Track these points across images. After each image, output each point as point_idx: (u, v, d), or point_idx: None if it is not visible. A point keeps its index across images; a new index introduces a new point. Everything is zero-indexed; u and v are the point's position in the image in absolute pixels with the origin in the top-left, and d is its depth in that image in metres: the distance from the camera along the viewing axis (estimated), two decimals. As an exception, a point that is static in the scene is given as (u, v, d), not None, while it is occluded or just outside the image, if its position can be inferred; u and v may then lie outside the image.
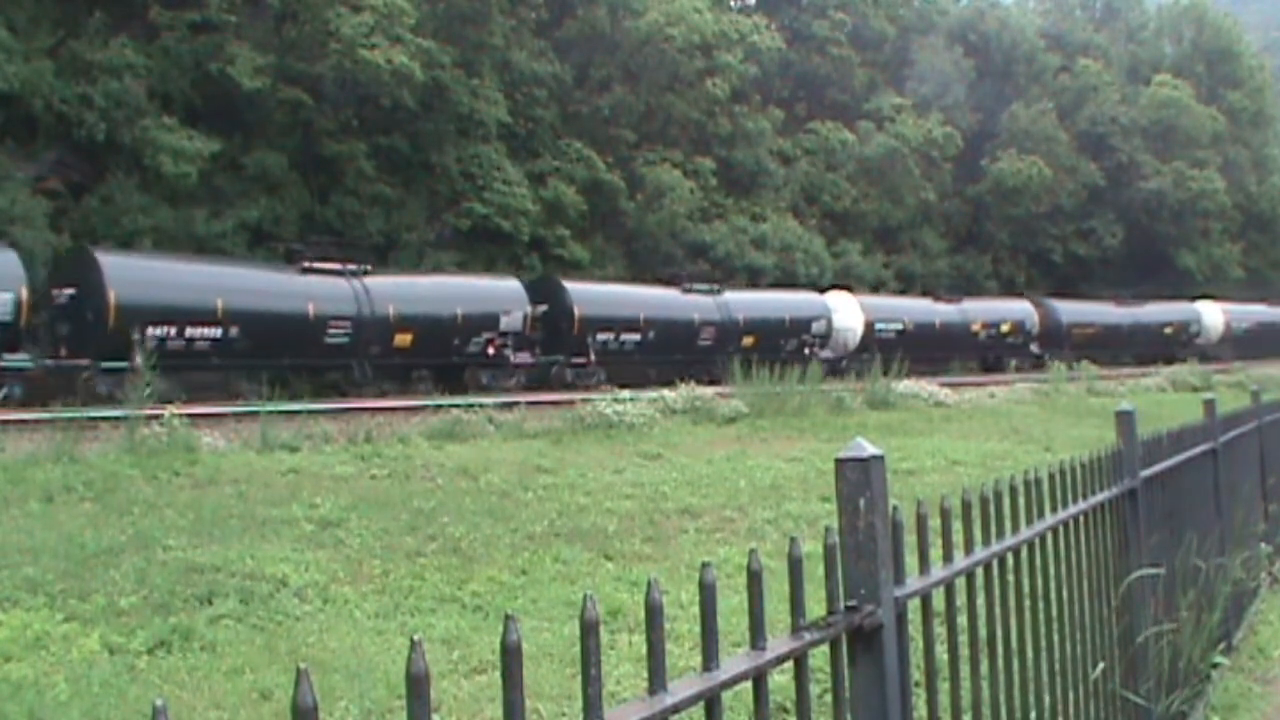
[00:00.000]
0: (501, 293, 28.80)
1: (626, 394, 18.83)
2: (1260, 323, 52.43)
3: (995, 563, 2.93)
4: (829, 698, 2.23)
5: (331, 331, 24.72)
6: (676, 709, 1.62)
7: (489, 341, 27.57)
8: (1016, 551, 3.09)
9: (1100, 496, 3.94)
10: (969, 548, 2.78)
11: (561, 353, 29.39)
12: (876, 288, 44.80)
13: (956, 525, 2.67)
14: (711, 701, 1.70)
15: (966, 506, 2.79)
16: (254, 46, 29.76)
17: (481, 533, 8.81)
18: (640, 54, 39.33)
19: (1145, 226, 56.81)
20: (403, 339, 25.83)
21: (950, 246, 52.85)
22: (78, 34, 28.02)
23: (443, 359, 26.85)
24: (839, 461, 2.17)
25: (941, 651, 2.73)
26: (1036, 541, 3.27)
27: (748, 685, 1.83)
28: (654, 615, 1.64)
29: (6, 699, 5.10)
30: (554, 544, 8.59)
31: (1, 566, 7.09)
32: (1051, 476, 3.47)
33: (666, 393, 18.91)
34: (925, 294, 43.04)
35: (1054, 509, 3.46)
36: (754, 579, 1.83)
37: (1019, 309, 44.33)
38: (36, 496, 9.18)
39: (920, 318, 39.49)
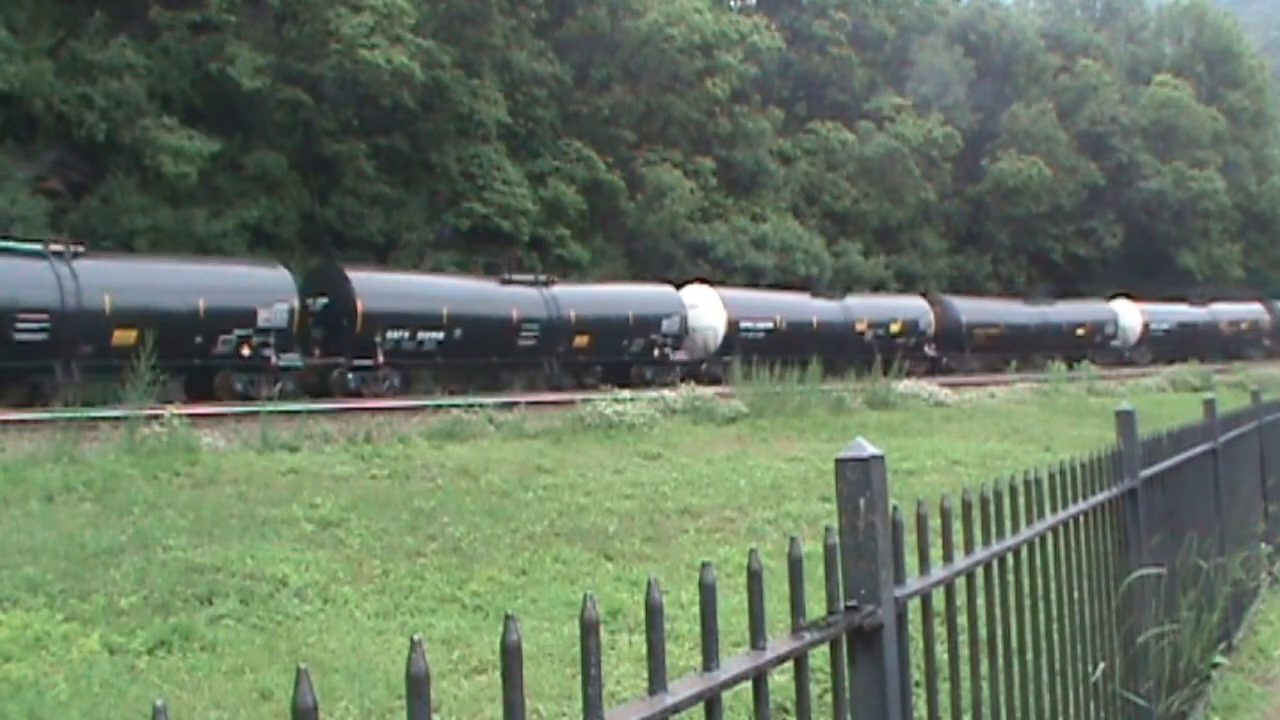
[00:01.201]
0: (260, 282, 24.37)
1: (627, 394, 18.83)
2: (1181, 324, 49.27)
3: (995, 563, 2.93)
4: (829, 698, 2.23)
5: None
6: (676, 709, 1.62)
7: (243, 341, 23.43)
8: (1016, 551, 3.09)
9: (1100, 496, 3.94)
10: (969, 548, 2.78)
11: (344, 354, 25.20)
12: (878, 287, 44.63)
13: (956, 525, 2.67)
14: (711, 701, 1.70)
15: (966, 506, 2.79)
16: (254, 46, 29.76)
17: (481, 533, 8.81)
18: (640, 54, 39.34)
19: (1145, 226, 56.81)
20: (124, 335, 20.93)
21: (950, 246, 52.85)
22: (78, 34, 28.02)
23: (182, 360, 21.58)
24: (839, 461, 2.17)
25: (941, 651, 2.73)
26: (1036, 541, 3.27)
27: (748, 685, 1.83)
28: (654, 615, 1.64)
29: (6, 699, 5.10)
30: (554, 544, 8.59)
31: (1, 566, 7.09)
32: (1051, 476, 3.47)
33: (666, 393, 18.91)
34: (803, 289, 38.85)
35: (1054, 509, 3.46)
36: (754, 579, 1.83)
37: (912, 307, 40.25)
38: (36, 496, 9.18)
39: (795, 315, 35.37)
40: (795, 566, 1.96)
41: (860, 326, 37.47)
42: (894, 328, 38.27)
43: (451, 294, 27.69)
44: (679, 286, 33.75)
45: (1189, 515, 5.31)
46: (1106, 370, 35.72)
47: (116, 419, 13.01)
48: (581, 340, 29.61)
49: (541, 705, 5.06)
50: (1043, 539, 3.33)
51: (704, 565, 1.72)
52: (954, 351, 40.23)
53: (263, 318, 23.72)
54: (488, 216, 34.23)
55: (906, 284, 47.56)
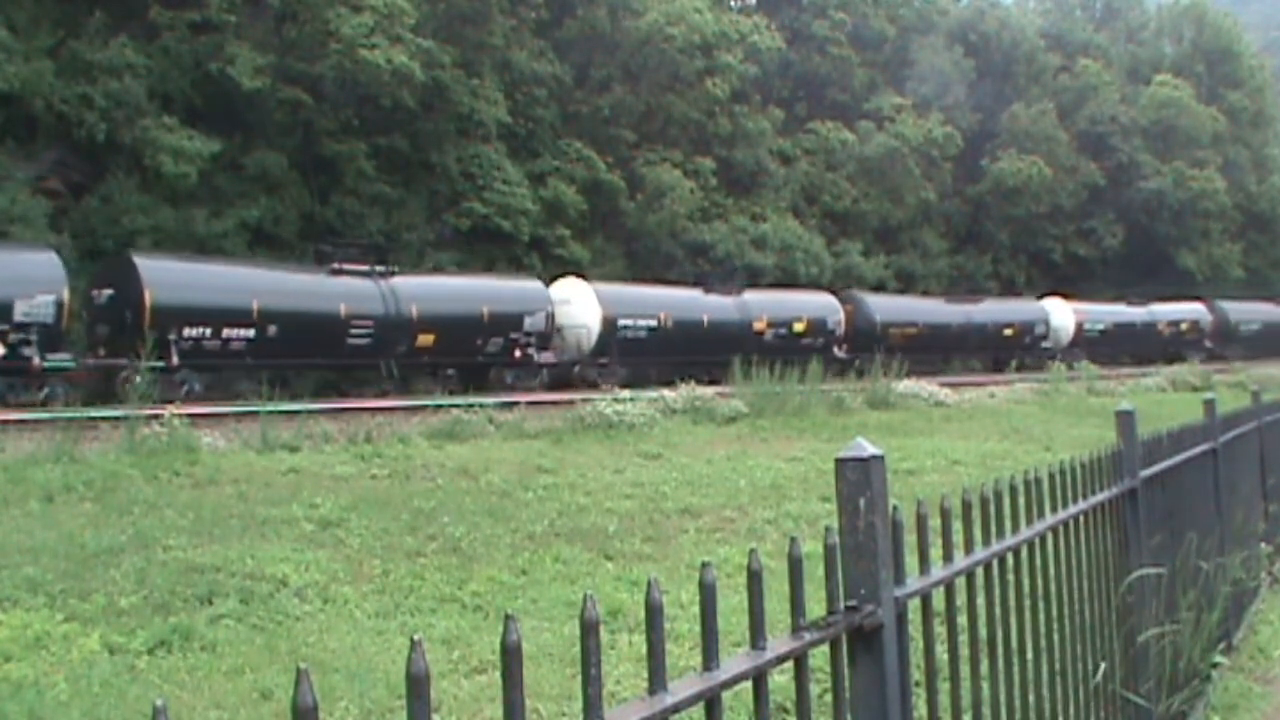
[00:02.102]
0: (17, 270, 21.03)
1: (627, 394, 18.83)
2: (1118, 324, 46.74)
3: (995, 563, 2.93)
4: (829, 698, 2.23)
5: None
6: (676, 709, 1.62)
7: None
8: (1016, 551, 3.09)
9: (1100, 496, 3.94)
10: (969, 548, 2.78)
11: (130, 353, 20.40)
12: (878, 287, 44.58)
13: (956, 525, 2.67)
14: (711, 701, 1.70)
15: (966, 506, 2.79)
16: (254, 46, 29.76)
17: (481, 533, 8.81)
18: (640, 54, 39.34)
19: (1145, 226, 56.81)
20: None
21: (950, 246, 52.86)
22: (78, 34, 28.02)
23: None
24: (839, 461, 2.17)
25: (941, 651, 2.73)
26: (1036, 541, 3.27)
27: (748, 685, 1.83)
28: (654, 615, 1.64)
29: (6, 699, 5.10)
30: (554, 544, 8.59)
31: (1, 566, 7.09)
32: (1051, 476, 3.47)
33: (667, 392, 18.92)
34: (697, 283, 35.29)
35: (1054, 509, 3.46)
36: (754, 579, 1.83)
37: (819, 304, 36.77)
38: (36, 496, 9.18)
39: (683, 314, 31.97)
40: (795, 566, 1.96)
41: (759, 325, 33.80)
42: (798, 327, 34.86)
43: (264, 285, 24.00)
44: (551, 280, 30.79)
45: (1189, 515, 5.31)
46: (1039, 373, 34.53)
47: (116, 419, 13.01)
48: (426, 339, 26.08)
49: (541, 705, 5.06)
50: (1043, 539, 3.33)
51: (704, 565, 1.72)
52: (867, 353, 35.17)
53: (20, 311, 20.53)
54: (488, 216, 34.24)
55: (907, 284, 47.56)
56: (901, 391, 22.00)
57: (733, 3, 49.50)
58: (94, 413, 14.19)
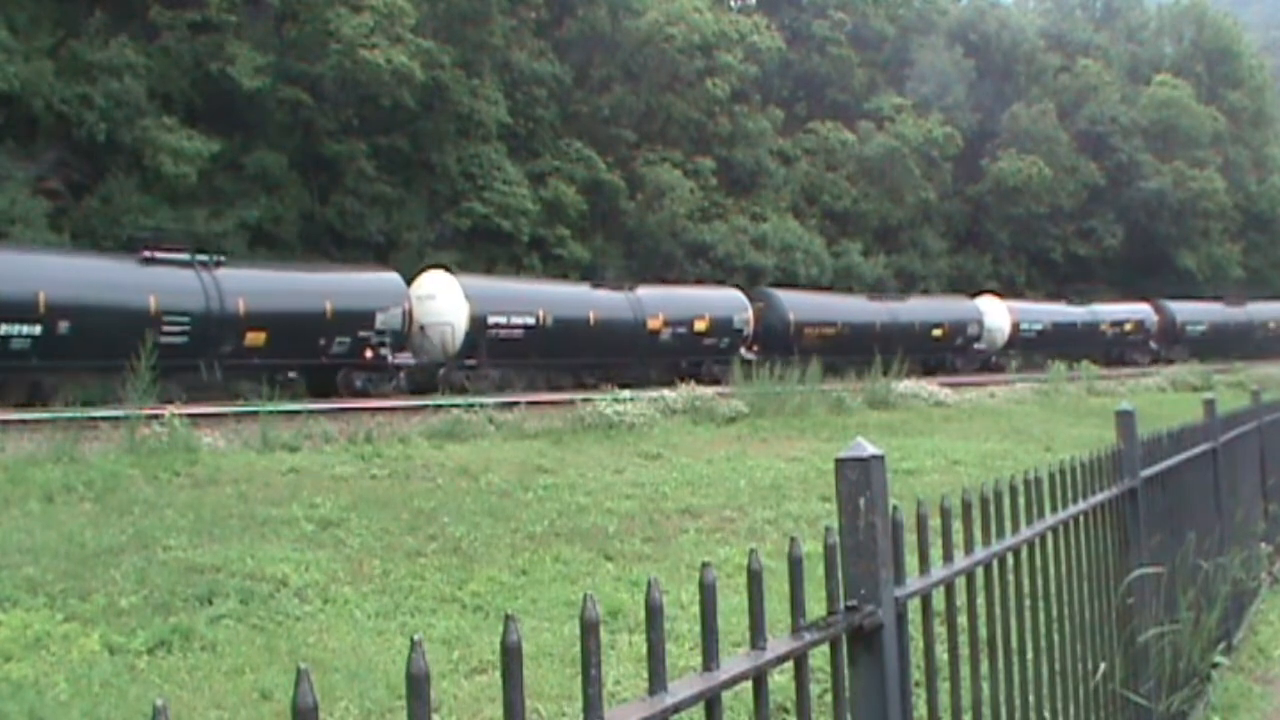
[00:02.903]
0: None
1: (627, 394, 18.83)
2: (1056, 324, 44.14)
3: (995, 563, 2.93)
4: (829, 698, 2.23)
5: None
6: (677, 709, 1.62)
7: None
8: (1016, 551, 3.09)
9: (1100, 496, 3.94)
10: (969, 548, 2.78)
11: None
12: (877, 286, 44.44)
13: (956, 525, 2.66)
14: (711, 701, 1.70)
15: (966, 506, 2.78)
16: (254, 46, 29.78)
17: (481, 533, 8.81)
18: (640, 54, 39.35)
19: (1145, 226, 56.81)
20: None
21: (950, 246, 52.87)
22: (78, 34, 28.03)
23: None
24: (839, 461, 2.17)
25: (941, 651, 2.72)
26: (1036, 541, 3.27)
27: (748, 685, 1.83)
28: (654, 615, 1.64)
29: (6, 699, 5.10)
30: (554, 544, 8.59)
31: (1, 566, 7.09)
32: (1051, 476, 3.47)
33: (666, 392, 18.93)
34: (584, 279, 32.61)
35: (1054, 509, 3.46)
36: (754, 579, 1.83)
37: (725, 301, 33.48)
38: (36, 496, 9.18)
39: (565, 311, 28.73)
40: (795, 566, 1.96)
41: (653, 324, 30.66)
42: (699, 325, 31.77)
43: (54, 275, 20.63)
44: (417, 274, 27.73)
45: (1189, 515, 5.31)
46: (976, 376, 34.02)
47: (116, 419, 13.01)
48: (255, 338, 22.97)
49: (541, 705, 5.06)
50: (1043, 539, 3.33)
51: (704, 565, 1.72)
52: (779, 353, 31.98)
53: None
54: (488, 216, 34.25)
55: (907, 284, 47.55)
56: (901, 391, 22.03)
57: (733, 3, 49.53)
58: (94, 413, 14.17)
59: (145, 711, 4.72)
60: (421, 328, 26.53)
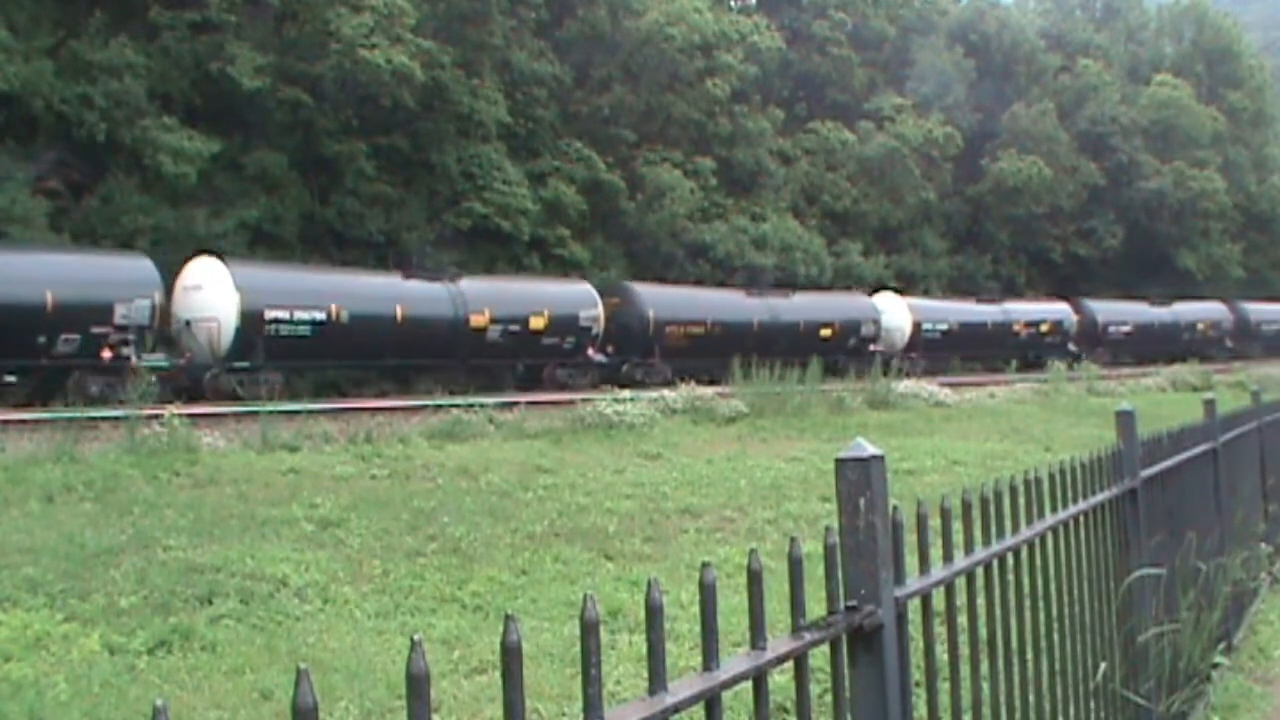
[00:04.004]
0: None
1: (627, 394, 18.83)
2: (964, 324, 40.75)
3: (995, 563, 2.93)
4: (829, 698, 2.23)
5: None
6: (677, 709, 1.62)
7: None
8: (1016, 551, 3.09)
9: (1100, 496, 3.94)
10: (969, 548, 2.78)
11: None
12: (877, 287, 44.28)
13: (956, 525, 2.67)
14: (711, 701, 1.70)
15: (966, 506, 2.78)
16: (254, 46, 29.78)
17: (481, 533, 8.81)
18: (640, 54, 39.35)
19: (1145, 226, 56.82)
20: None
21: (950, 246, 52.88)
22: (78, 34, 28.03)
23: None
24: (839, 461, 2.17)
25: (941, 651, 2.72)
26: (1036, 541, 3.27)
27: (748, 685, 1.83)
28: (654, 615, 1.64)
29: (6, 699, 5.10)
30: (554, 544, 8.59)
31: (1, 566, 7.09)
32: (1051, 476, 3.47)
33: (667, 392, 18.93)
34: (398, 269, 28.41)
35: (1054, 509, 3.46)
36: (754, 579, 1.83)
37: (570, 296, 29.65)
38: (36, 496, 9.18)
39: (365, 305, 24.85)
40: (795, 566, 1.96)
41: (478, 320, 27.15)
42: (536, 323, 28.10)
43: None
44: (185, 261, 23.86)
45: (1189, 515, 5.31)
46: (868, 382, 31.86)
47: (116, 419, 13.01)
48: None
49: (541, 705, 5.06)
50: (1043, 539, 3.33)
51: (704, 565, 1.72)
52: (638, 355, 30.10)
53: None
54: (488, 216, 34.25)
55: (907, 284, 47.55)
56: (901, 391, 22.06)
57: (733, 3, 49.53)
58: (94, 413, 14.17)
59: (145, 711, 4.72)
60: (188, 323, 22.97)
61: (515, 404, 18.79)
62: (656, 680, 1.63)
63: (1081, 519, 3.73)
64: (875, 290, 40.35)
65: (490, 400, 18.94)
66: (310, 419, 14.39)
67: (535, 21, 38.07)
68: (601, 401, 17.07)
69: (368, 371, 23.58)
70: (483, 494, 10.43)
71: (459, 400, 19.21)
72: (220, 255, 23.99)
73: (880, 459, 2.18)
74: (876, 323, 37.65)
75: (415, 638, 1.37)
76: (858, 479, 2.15)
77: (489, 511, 9.62)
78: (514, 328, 27.69)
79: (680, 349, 30.94)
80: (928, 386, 23.23)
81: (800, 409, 18.74)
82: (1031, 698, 3.12)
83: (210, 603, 6.70)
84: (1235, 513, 6.39)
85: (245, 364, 22.62)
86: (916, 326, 38.87)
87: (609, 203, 38.79)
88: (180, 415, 12.78)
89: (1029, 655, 3.13)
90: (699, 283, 37.67)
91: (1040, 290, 51.41)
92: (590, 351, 29.12)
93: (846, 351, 35.12)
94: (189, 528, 8.37)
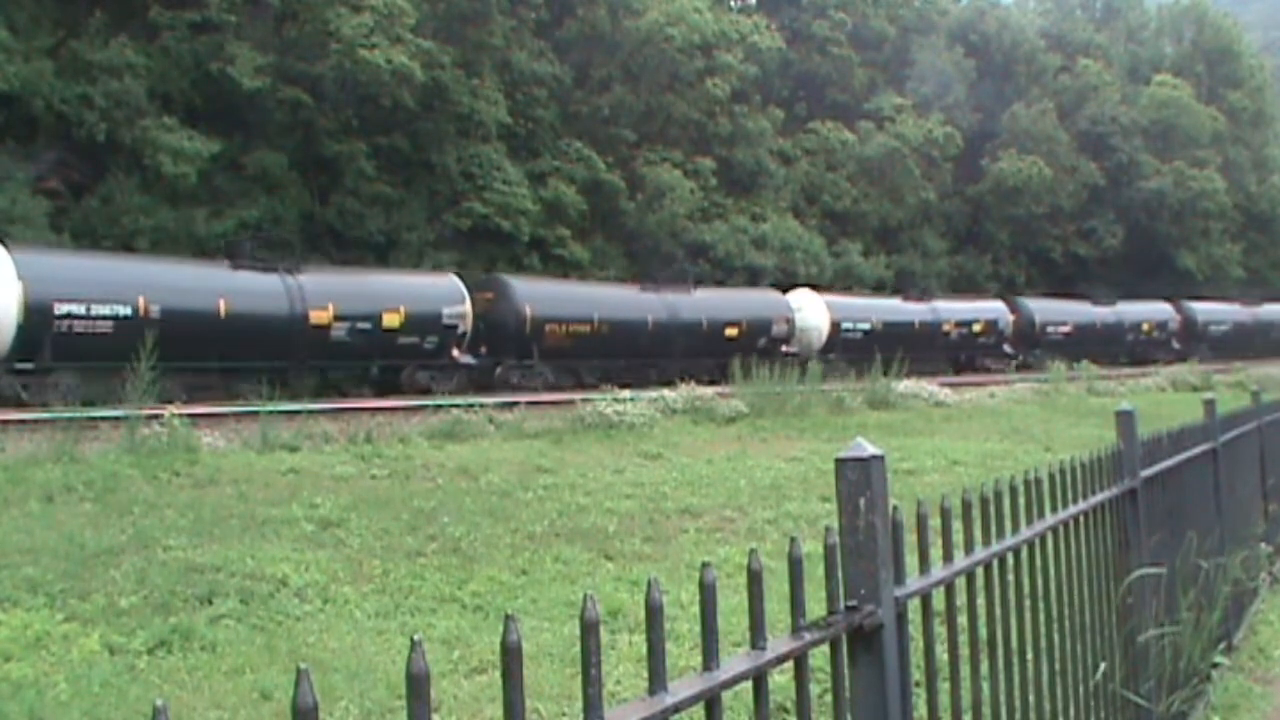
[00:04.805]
0: None
1: (627, 394, 18.83)
2: (888, 323, 37.40)
3: (995, 563, 2.93)
4: (829, 698, 2.23)
5: None
6: (677, 709, 1.62)
7: None
8: (1017, 551, 3.09)
9: (1100, 496, 3.94)
10: (969, 548, 2.78)
11: None
12: (878, 287, 44.27)
13: (956, 525, 2.67)
14: (711, 701, 1.70)
15: (966, 506, 2.78)
16: (254, 46, 29.78)
17: (481, 533, 8.81)
18: (640, 54, 39.35)
19: (1145, 226, 56.83)
20: None
21: (950, 246, 52.91)
22: (78, 34, 28.04)
23: None
24: (839, 461, 2.17)
25: (941, 651, 2.73)
26: (1036, 541, 3.27)
27: (748, 685, 1.83)
28: (654, 615, 1.64)
29: (6, 699, 5.10)
30: (554, 544, 8.59)
31: (1, 566, 7.09)
32: (1051, 476, 3.47)
33: (666, 392, 18.93)
34: (230, 256, 24.46)
35: (1054, 509, 3.46)
36: (754, 579, 1.83)
37: (430, 291, 26.32)
38: (36, 496, 9.18)
39: (181, 299, 21.59)
40: (795, 566, 1.96)
41: (319, 317, 23.79)
42: (389, 320, 24.91)
43: None
44: None
45: (1189, 515, 5.31)
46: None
47: (116, 419, 13.01)
48: None
49: (541, 705, 5.06)
50: (1043, 539, 3.33)
51: (704, 565, 1.72)
52: (514, 355, 27.58)
53: None
54: (488, 216, 34.25)
55: (907, 284, 47.54)
56: (901, 391, 22.07)
57: (733, 3, 49.54)
58: (94, 413, 14.16)
59: (145, 711, 4.72)
60: None
61: (515, 404, 18.80)
62: (656, 680, 1.63)
63: (1081, 519, 3.74)
64: (791, 287, 37.56)
65: (490, 400, 18.94)
66: (310, 419, 14.39)
67: (535, 21, 38.07)
68: (601, 401, 17.08)
69: (184, 374, 19.92)
70: (483, 494, 10.43)
71: (459, 400, 19.21)
72: (1, 240, 20.73)
73: (880, 459, 2.18)
74: (790, 321, 34.40)
75: (415, 638, 1.37)
76: (858, 479, 2.15)
77: (489, 511, 9.62)
78: (363, 326, 24.43)
79: (563, 350, 28.15)
80: (928, 386, 23.24)
81: (800, 409, 18.74)
82: (1031, 698, 3.12)
83: (210, 603, 6.70)
84: (1235, 513, 6.39)
85: (30, 365, 19.86)
86: (835, 326, 35.87)
87: (609, 203, 38.79)
88: (180, 415, 12.78)
89: (1029, 655, 3.13)
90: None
91: (1040, 290, 51.39)
92: (456, 353, 26.23)
93: (755, 353, 29.91)
94: (189, 528, 8.37)
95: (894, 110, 49.41)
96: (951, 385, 25.56)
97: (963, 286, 48.99)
